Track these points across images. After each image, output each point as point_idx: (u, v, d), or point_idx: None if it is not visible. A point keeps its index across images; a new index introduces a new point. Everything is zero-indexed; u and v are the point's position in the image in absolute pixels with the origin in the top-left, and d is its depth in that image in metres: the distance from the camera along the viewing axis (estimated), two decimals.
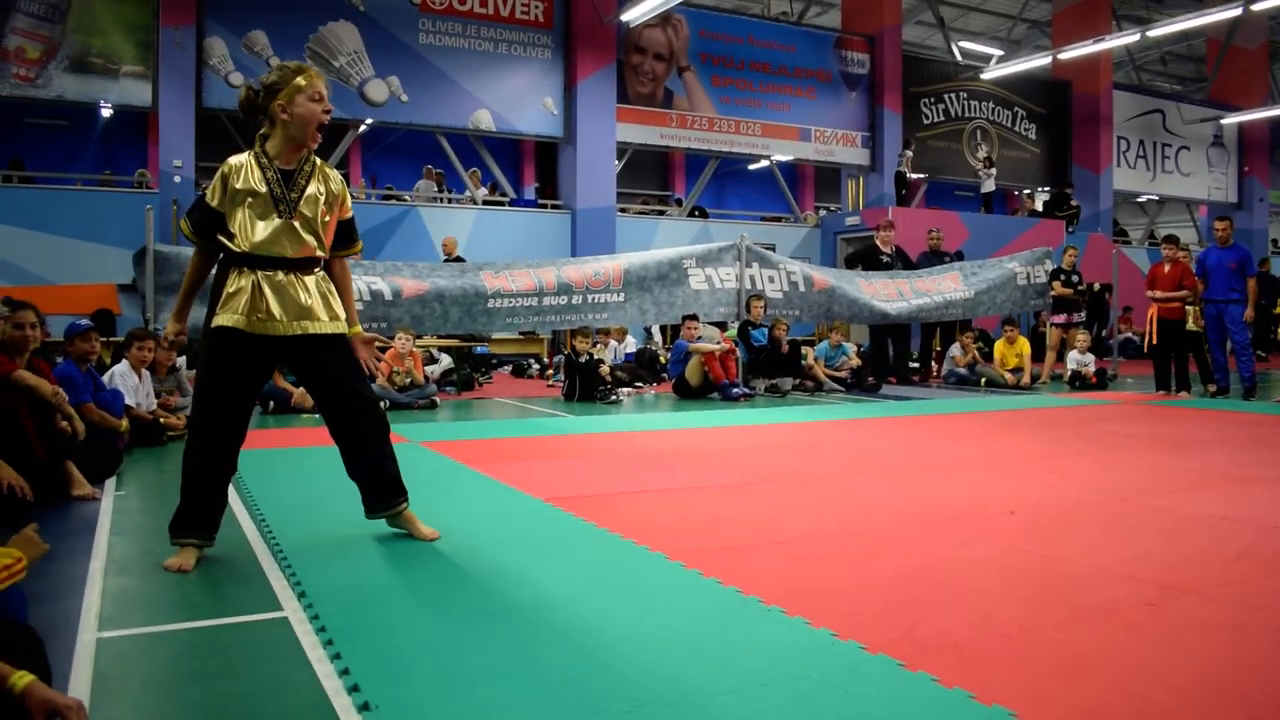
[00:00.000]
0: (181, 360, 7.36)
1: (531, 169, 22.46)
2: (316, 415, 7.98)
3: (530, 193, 20.34)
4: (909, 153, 17.54)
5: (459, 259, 11.87)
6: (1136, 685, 2.37)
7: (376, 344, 3.92)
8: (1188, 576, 3.33)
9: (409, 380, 8.81)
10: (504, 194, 16.61)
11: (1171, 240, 10.71)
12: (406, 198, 15.94)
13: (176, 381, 7.08)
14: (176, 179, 12.87)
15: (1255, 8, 15.21)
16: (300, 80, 3.43)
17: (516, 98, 15.10)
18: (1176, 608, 2.99)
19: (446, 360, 10.84)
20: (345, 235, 3.73)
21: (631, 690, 2.33)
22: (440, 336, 10.70)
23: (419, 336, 9.87)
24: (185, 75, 12.97)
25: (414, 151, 19.33)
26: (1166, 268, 10.50)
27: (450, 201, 16.08)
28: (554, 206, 15.96)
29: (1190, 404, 9.63)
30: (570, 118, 15.41)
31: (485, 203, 15.87)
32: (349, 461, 3.72)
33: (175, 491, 3.50)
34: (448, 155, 15.47)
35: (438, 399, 9.05)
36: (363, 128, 15.08)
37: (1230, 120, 22.62)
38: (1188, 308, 10.61)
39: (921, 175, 18.75)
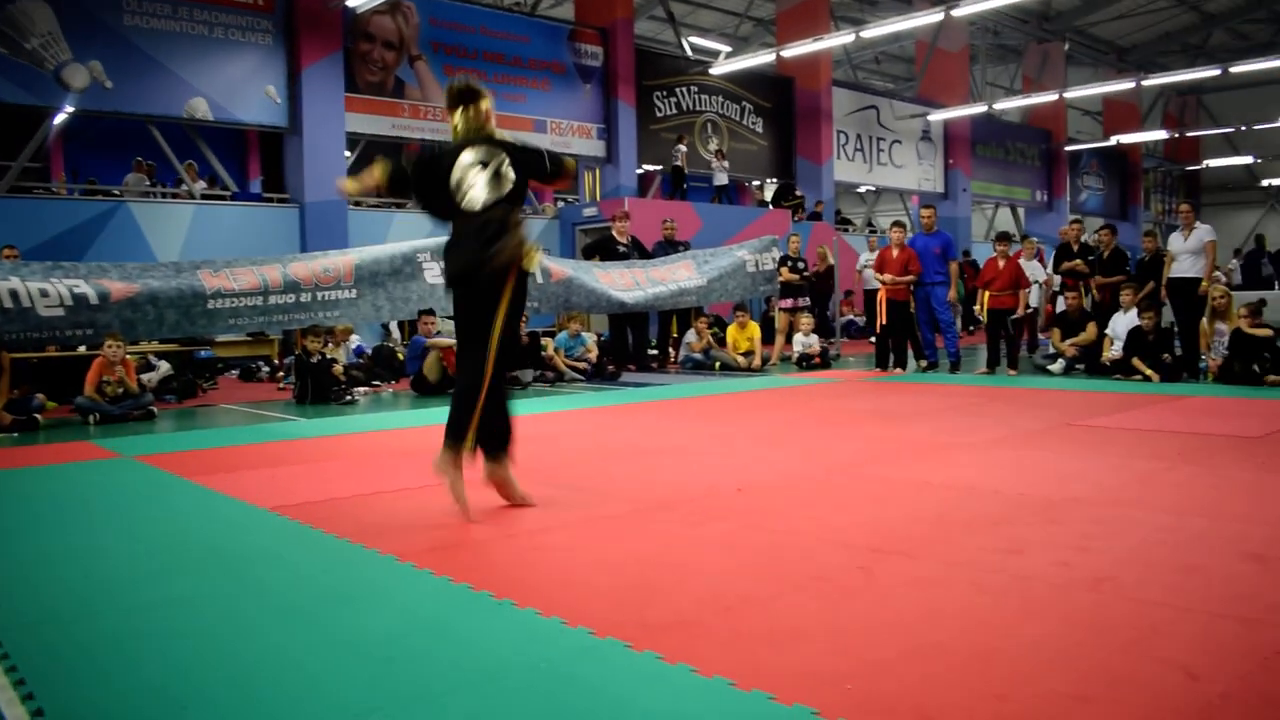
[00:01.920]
0: None
1: (257, 161, 21.30)
2: (15, 435, 7.24)
3: (256, 186, 19.31)
4: (683, 147, 17.92)
5: None
6: (849, 645, 2.49)
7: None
8: (895, 539, 3.55)
9: (121, 390, 8.13)
10: (225, 187, 15.65)
11: (900, 225, 11.22)
12: (115, 192, 14.73)
13: None
14: None
15: (955, 13, 16.54)
16: None
17: (236, 85, 14.23)
18: (885, 569, 3.17)
19: (165, 367, 10.10)
20: None
21: (363, 695, 2.25)
22: (160, 341, 9.95)
23: (133, 343, 9.13)
24: None
25: (123, 143, 17.84)
26: (895, 252, 10.93)
27: (164, 196, 14.99)
28: (280, 200, 15.20)
29: (904, 379, 10.34)
30: (295, 107, 14.69)
31: (204, 197, 14.90)
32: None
33: None
34: (160, 146, 14.38)
35: (155, 408, 8.40)
36: (62, 116, 13.76)
37: (936, 117, 24.52)
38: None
39: (657, 167, 19.22)
